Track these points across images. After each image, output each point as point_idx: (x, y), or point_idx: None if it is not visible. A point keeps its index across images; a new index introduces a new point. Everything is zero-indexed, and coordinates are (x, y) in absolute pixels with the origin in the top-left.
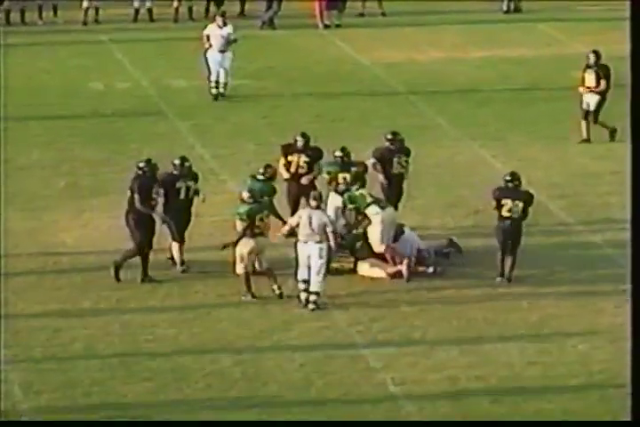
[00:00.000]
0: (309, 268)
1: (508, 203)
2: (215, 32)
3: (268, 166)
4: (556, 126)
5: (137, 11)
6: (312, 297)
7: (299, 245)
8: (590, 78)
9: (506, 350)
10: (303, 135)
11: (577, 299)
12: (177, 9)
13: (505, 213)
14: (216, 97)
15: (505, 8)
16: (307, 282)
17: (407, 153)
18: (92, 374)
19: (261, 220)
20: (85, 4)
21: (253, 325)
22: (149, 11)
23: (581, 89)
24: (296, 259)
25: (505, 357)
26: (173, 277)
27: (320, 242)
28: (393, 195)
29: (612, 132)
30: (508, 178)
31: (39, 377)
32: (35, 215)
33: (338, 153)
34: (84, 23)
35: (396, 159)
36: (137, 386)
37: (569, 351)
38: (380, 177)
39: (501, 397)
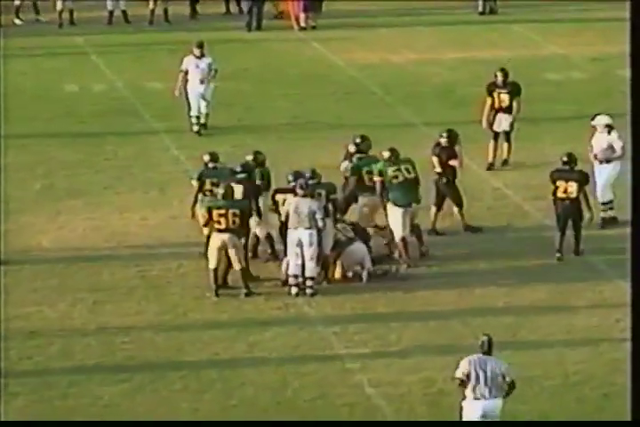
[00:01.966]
0: (299, 256)
1: (562, 184)
2: (193, 63)
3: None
4: (532, 128)
5: (111, 13)
6: (308, 282)
7: (288, 232)
8: (503, 98)
9: None
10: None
11: (552, 300)
12: (152, 11)
13: (560, 194)
14: (198, 132)
15: (480, 9)
16: (297, 277)
17: None
18: (69, 376)
19: (222, 215)
20: (59, 6)
21: (229, 326)
22: (124, 13)
23: (486, 110)
24: (285, 251)
25: None
26: (149, 279)
27: (309, 228)
28: (455, 190)
29: (505, 161)
30: (565, 159)
31: (15, 379)
32: (11, 218)
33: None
34: (60, 25)
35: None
36: (114, 388)
37: (544, 352)
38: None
39: None
